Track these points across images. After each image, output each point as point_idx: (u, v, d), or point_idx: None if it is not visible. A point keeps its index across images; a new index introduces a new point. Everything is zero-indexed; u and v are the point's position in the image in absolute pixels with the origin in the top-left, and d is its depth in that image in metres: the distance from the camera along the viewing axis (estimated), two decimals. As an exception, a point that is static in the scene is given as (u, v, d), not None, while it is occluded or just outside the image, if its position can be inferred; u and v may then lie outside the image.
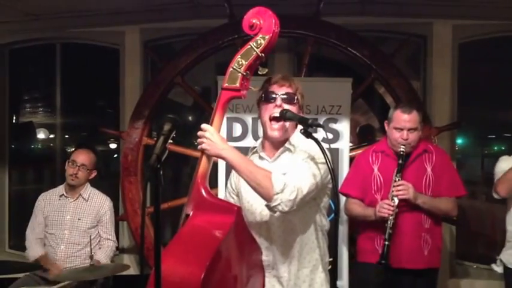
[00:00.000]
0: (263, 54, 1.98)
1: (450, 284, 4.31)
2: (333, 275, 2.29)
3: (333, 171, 2.00)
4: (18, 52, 5.07)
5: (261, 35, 1.97)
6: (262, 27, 1.97)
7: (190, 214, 1.99)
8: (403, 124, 2.98)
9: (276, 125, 2.21)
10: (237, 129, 3.77)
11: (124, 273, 3.26)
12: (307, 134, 2.06)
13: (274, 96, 2.21)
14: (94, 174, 3.79)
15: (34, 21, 4.58)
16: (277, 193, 1.96)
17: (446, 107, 4.28)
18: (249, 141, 3.74)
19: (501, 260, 3.33)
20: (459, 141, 4.72)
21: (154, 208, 1.63)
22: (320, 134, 2.09)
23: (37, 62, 5.26)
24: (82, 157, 3.69)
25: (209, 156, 2.05)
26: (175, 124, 1.81)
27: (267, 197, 1.98)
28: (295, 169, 2.09)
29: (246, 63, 1.97)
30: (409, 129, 2.98)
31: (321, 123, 3.51)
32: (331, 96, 3.72)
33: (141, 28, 4.54)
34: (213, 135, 2.00)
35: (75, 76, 5.10)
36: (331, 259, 2.36)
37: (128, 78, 4.59)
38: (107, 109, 5.56)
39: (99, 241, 3.72)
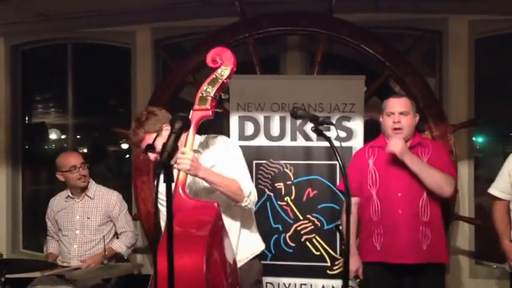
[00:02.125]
0: (227, 80, 2.40)
1: (469, 284, 4.25)
2: (346, 275, 2.27)
3: (345, 169, 2.00)
4: (30, 53, 5.09)
5: (223, 67, 2.39)
6: (224, 61, 2.39)
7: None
8: (393, 108, 2.99)
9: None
10: (249, 128, 3.77)
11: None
12: (318, 132, 2.05)
13: None
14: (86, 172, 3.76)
15: (45, 21, 4.59)
16: (247, 196, 2.44)
17: (463, 104, 4.19)
18: (260, 140, 3.74)
19: None
20: (479, 139, 4.65)
21: (166, 205, 1.69)
22: (332, 132, 2.17)
23: (48, 63, 5.26)
24: (75, 159, 3.66)
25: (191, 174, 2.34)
26: (186, 122, 1.92)
27: (239, 201, 2.43)
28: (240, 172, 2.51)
29: (214, 88, 2.37)
30: (400, 113, 2.97)
31: (334, 121, 3.53)
32: (344, 94, 3.71)
33: (152, 27, 4.54)
34: (193, 160, 2.24)
35: (87, 76, 5.11)
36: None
37: (139, 77, 4.60)
38: (118, 109, 5.55)
39: (113, 236, 3.74)
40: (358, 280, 3.11)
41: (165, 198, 2.14)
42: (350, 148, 3.63)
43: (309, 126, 3.40)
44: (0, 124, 4.89)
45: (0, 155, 4.86)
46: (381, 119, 3.14)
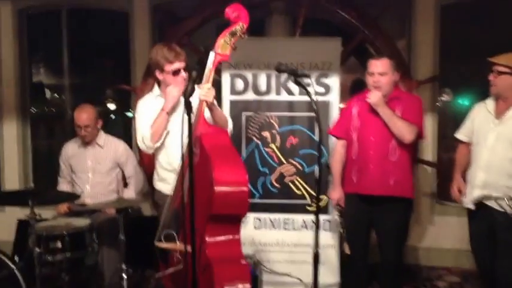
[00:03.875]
0: (243, 35, 2.82)
1: (431, 221, 4.89)
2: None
3: (320, 122, 2.62)
4: (33, 17, 5.43)
5: (241, 23, 2.79)
6: (242, 18, 2.80)
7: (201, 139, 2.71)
8: (373, 69, 3.41)
9: None
10: (239, 84, 4.22)
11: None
12: (298, 83, 2.56)
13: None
14: (100, 123, 4.14)
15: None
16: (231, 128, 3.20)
17: (428, 63, 4.71)
18: (249, 94, 4.22)
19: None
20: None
21: (188, 137, 2.22)
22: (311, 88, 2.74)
23: (48, 27, 5.58)
24: (82, 119, 3.99)
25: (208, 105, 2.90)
26: (199, 72, 2.45)
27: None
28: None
29: (233, 39, 2.81)
30: (379, 73, 3.39)
31: (313, 78, 3.96)
32: (322, 54, 4.14)
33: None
34: (213, 90, 2.85)
35: (83, 40, 5.48)
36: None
37: (137, 40, 5.00)
38: (115, 71, 5.94)
39: (122, 179, 4.20)
40: (338, 207, 3.63)
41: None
42: (328, 102, 4.13)
43: (291, 83, 3.92)
44: (10, 83, 5.26)
45: (11, 111, 5.25)
46: (366, 78, 3.55)
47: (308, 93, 2.58)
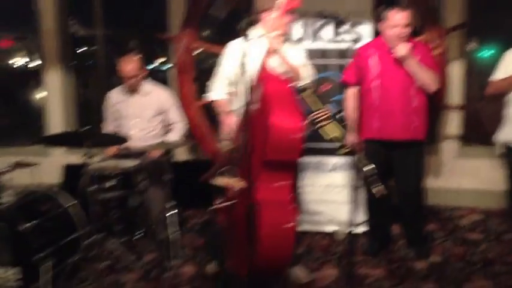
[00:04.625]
0: None
1: (458, 164, 5.10)
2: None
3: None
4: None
5: None
6: None
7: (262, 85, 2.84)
8: (399, 21, 3.52)
9: None
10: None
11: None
12: (338, 29, 2.78)
13: None
14: (145, 72, 4.34)
15: None
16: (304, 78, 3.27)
17: (457, 11, 4.82)
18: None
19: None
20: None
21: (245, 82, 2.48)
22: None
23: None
24: (128, 69, 4.17)
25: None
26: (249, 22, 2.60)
27: (298, 79, 3.18)
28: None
29: None
30: (404, 25, 3.52)
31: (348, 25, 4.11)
32: (354, 3, 4.21)
33: None
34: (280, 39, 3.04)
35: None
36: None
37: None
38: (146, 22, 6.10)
39: (167, 125, 4.43)
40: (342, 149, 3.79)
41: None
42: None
43: (325, 31, 4.09)
44: (50, 33, 5.47)
45: (54, 60, 5.49)
46: (381, 26, 3.65)
47: (348, 39, 2.78)
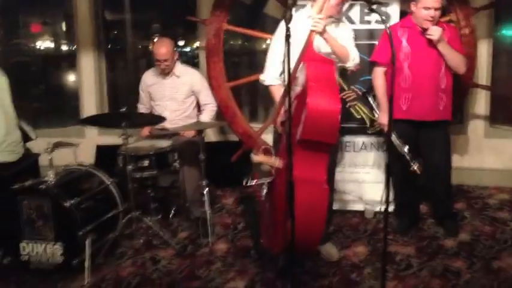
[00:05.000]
0: None
1: (485, 144, 5.13)
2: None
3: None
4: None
5: None
6: None
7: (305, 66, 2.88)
8: (431, 3, 3.58)
9: None
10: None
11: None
12: (372, 10, 2.80)
13: None
14: (177, 55, 4.47)
15: None
16: (352, 60, 3.27)
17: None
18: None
19: None
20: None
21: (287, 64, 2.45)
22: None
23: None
24: (161, 53, 4.29)
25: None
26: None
27: (346, 61, 3.25)
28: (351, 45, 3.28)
29: None
30: (436, 8, 3.58)
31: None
32: None
33: None
34: (323, 21, 2.99)
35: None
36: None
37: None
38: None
39: (198, 106, 4.59)
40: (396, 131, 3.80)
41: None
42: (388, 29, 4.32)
43: (352, 12, 4.15)
44: (85, 19, 5.58)
45: (88, 45, 5.61)
46: (413, 7, 3.71)
47: (382, 20, 2.81)
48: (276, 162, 3.04)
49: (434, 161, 3.90)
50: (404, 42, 3.76)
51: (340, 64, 3.22)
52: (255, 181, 3.16)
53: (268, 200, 3.25)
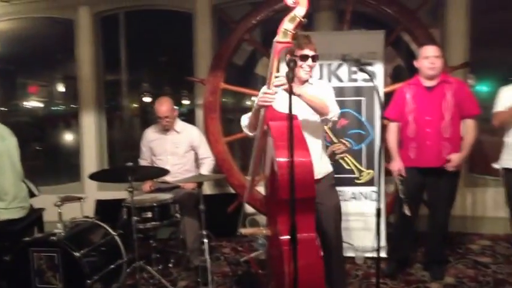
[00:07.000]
0: (304, 19, 2.68)
1: (465, 192, 5.42)
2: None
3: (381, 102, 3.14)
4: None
5: (299, 7, 2.66)
6: (299, 1, 2.66)
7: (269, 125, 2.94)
8: (429, 52, 3.95)
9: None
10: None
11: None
12: (361, 70, 3.13)
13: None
14: (176, 112, 4.77)
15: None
16: (332, 112, 3.17)
17: (460, 50, 5.18)
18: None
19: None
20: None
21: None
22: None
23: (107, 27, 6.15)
24: (163, 111, 4.59)
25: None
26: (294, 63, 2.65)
27: (326, 114, 3.15)
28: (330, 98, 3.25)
29: (293, 25, 2.67)
30: (435, 56, 3.93)
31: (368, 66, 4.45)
32: (368, 45, 4.67)
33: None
34: (281, 79, 2.85)
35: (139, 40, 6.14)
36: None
37: (200, 37, 5.56)
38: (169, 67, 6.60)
39: (197, 160, 4.83)
40: (400, 177, 4.07)
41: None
42: (372, 87, 4.57)
43: (340, 71, 4.48)
44: (88, 80, 5.90)
45: (90, 105, 5.90)
46: (416, 64, 4.05)
47: (370, 77, 3.10)
48: (264, 231, 3.21)
49: (436, 207, 4.15)
50: (409, 98, 4.07)
51: (323, 117, 3.19)
52: (249, 230, 3.35)
53: (269, 256, 3.34)
